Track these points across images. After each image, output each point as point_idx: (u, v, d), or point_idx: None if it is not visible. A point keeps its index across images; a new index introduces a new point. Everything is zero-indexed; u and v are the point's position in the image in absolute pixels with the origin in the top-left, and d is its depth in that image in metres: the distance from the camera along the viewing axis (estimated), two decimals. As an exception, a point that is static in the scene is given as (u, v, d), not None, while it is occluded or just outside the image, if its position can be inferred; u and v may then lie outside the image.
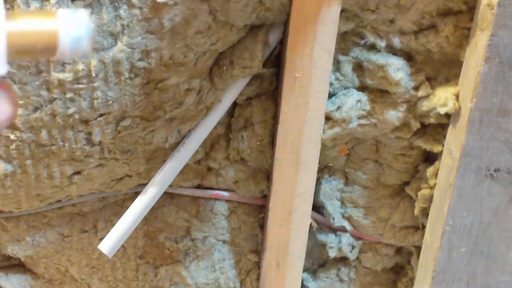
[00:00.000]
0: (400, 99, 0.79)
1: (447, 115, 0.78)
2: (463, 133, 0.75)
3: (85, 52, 0.48)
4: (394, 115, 0.80)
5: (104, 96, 0.72)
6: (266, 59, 0.78)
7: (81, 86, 0.70)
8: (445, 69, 0.78)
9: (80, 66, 0.69)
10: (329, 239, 0.93)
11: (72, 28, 0.47)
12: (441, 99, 0.77)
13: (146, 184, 0.82)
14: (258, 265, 0.94)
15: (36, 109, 0.71)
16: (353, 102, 0.80)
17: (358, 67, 0.80)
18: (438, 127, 0.81)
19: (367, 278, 0.98)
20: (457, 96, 0.76)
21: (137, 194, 0.82)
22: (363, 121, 0.81)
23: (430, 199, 0.84)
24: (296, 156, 0.80)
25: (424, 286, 0.85)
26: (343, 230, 0.93)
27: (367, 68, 0.79)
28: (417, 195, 0.86)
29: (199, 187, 0.89)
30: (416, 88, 0.79)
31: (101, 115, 0.73)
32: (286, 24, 0.75)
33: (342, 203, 0.91)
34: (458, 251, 0.81)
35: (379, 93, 0.81)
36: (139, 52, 0.69)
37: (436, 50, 0.76)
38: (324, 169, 0.89)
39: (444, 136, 0.81)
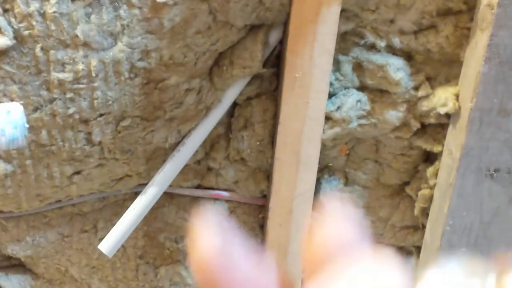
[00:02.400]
0: (400, 99, 0.79)
1: (447, 115, 0.78)
2: (463, 133, 0.75)
3: (21, 147, 0.49)
4: (394, 115, 0.80)
5: (104, 96, 0.72)
6: (266, 59, 0.78)
7: (81, 86, 0.70)
8: (445, 69, 0.78)
9: (80, 66, 0.69)
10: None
11: (8, 129, 0.48)
12: (441, 99, 0.77)
13: (146, 184, 0.82)
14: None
15: (36, 109, 0.71)
16: (353, 102, 0.80)
17: (358, 67, 0.80)
18: (438, 127, 0.81)
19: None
20: (457, 96, 0.76)
21: (137, 194, 0.82)
22: (363, 121, 0.81)
23: (430, 199, 0.84)
24: (296, 156, 0.80)
25: (424, 286, 0.85)
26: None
27: (367, 68, 0.79)
28: (417, 195, 0.86)
29: (199, 187, 0.89)
30: (416, 88, 0.79)
31: (101, 115, 0.73)
32: (286, 24, 0.75)
33: (342, 203, 0.91)
34: (458, 251, 0.81)
35: (379, 93, 0.81)
36: (139, 52, 0.69)
37: (436, 50, 0.76)
38: (324, 169, 0.89)
39: (444, 136, 0.81)
